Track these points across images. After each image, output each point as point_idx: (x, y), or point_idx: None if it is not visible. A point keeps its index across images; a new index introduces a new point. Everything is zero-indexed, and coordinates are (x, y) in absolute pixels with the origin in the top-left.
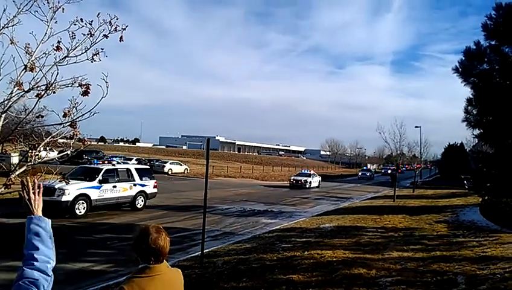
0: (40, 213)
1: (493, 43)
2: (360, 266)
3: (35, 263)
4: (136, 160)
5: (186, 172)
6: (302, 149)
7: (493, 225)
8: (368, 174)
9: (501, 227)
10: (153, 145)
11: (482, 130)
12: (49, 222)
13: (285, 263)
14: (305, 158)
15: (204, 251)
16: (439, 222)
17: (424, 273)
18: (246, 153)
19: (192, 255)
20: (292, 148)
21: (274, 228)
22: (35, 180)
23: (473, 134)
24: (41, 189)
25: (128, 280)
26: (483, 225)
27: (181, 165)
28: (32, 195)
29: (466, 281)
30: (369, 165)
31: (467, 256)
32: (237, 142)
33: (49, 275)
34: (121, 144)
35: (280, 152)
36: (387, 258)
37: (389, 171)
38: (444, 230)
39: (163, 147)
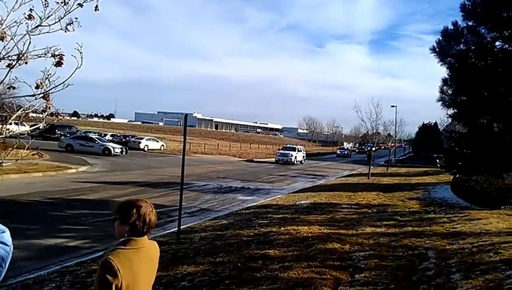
0: None
1: (470, 23)
2: (334, 241)
3: None
4: (111, 136)
5: (162, 149)
6: (280, 127)
7: (463, 202)
8: (291, 154)
9: (471, 204)
10: (129, 121)
11: (456, 110)
12: None
13: (262, 239)
14: (282, 136)
15: (181, 227)
16: (411, 199)
17: (396, 247)
18: (224, 130)
19: (169, 231)
20: (270, 126)
21: (251, 205)
22: None
23: (447, 114)
24: None
25: (115, 252)
26: (453, 202)
27: (157, 141)
28: None
29: (436, 255)
30: (346, 144)
31: (438, 232)
32: (215, 119)
33: (7, 245)
34: (95, 119)
35: (258, 130)
36: (360, 234)
37: (346, 152)
38: (416, 207)
39: (139, 123)
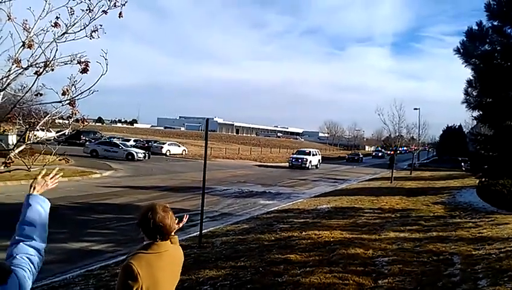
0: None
1: (495, 23)
2: (357, 246)
3: (33, 241)
4: (134, 141)
5: (184, 153)
6: (301, 131)
7: (489, 206)
8: (305, 159)
9: (497, 208)
10: (151, 126)
11: (481, 112)
12: (49, 204)
13: (283, 243)
14: (303, 140)
15: (203, 231)
16: (436, 203)
17: (421, 253)
18: (244, 134)
19: (191, 235)
20: (290, 130)
21: (272, 209)
22: (58, 175)
23: (472, 116)
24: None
25: (136, 256)
26: (479, 206)
27: (179, 146)
28: (50, 180)
29: (462, 261)
30: (367, 148)
31: (463, 237)
32: (235, 124)
33: (41, 255)
34: (119, 125)
35: (278, 134)
36: (384, 239)
37: (303, 161)
38: (440, 211)
39: (161, 128)
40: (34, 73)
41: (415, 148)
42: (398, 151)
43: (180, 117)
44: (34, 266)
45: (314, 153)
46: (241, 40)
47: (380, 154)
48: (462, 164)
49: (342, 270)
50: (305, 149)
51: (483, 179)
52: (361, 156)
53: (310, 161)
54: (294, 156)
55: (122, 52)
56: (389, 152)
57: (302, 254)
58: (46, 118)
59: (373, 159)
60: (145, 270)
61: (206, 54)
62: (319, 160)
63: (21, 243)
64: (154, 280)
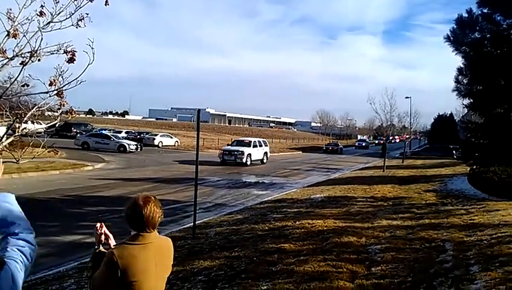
0: None
1: (485, 11)
2: (350, 234)
3: (20, 234)
4: (125, 133)
5: (176, 145)
6: (293, 121)
7: (481, 193)
8: (241, 152)
9: (488, 195)
10: (143, 117)
11: (472, 100)
12: (13, 196)
13: (277, 233)
14: (295, 130)
15: (197, 222)
16: (427, 191)
17: (413, 240)
18: (237, 125)
19: (184, 226)
20: (283, 120)
21: (265, 199)
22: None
23: (463, 104)
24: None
25: (120, 246)
26: (471, 193)
27: (171, 137)
28: None
29: (454, 247)
30: (359, 137)
31: (455, 223)
32: (228, 114)
33: (33, 245)
34: (110, 116)
35: (271, 124)
36: (376, 227)
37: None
38: (432, 199)
39: (153, 119)
40: (20, 63)
41: (407, 136)
42: (389, 141)
43: (172, 108)
44: (27, 257)
45: (257, 144)
46: (234, 30)
47: (363, 144)
48: (454, 151)
49: (336, 258)
50: (245, 139)
51: (474, 167)
52: (341, 146)
53: (249, 155)
54: (228, 147)
55: (112, 43)
56: (377, 141)
57: (296, 243)
58: (34, 109)
59: (356, 149)
60: (126, 260)
61: (198, 44)
62: (266, 153)
63: (8, 237)
64: (137, 270)
